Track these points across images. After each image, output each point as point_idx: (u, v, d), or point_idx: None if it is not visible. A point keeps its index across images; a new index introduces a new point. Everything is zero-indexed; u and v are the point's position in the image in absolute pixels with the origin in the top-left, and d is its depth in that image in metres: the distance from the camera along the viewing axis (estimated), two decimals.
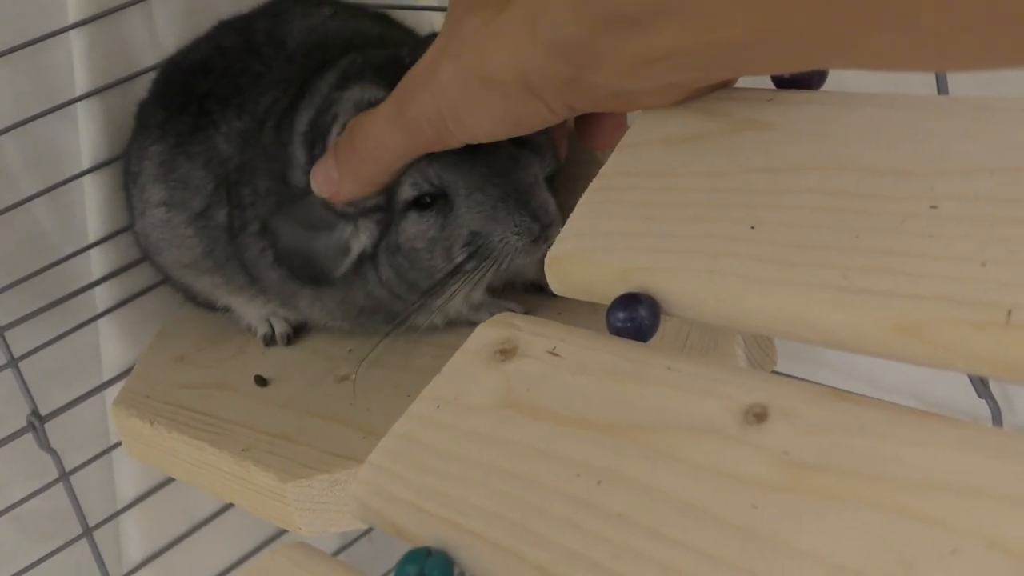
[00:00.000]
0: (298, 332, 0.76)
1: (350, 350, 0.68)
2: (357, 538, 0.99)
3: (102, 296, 0.84)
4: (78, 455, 0.81)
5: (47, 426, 0.77)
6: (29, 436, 0.77)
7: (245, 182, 0.68)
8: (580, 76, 0.44)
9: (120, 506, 0.87)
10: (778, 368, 0.66)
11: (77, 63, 0.81)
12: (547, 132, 0.63)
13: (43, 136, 0.83)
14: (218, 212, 0.70)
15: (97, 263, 0.84)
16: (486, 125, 0.50)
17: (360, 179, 0.59)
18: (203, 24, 0.79)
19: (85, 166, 0.83)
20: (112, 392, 0.82)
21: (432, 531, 0.38)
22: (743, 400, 0.36)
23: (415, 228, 0.62)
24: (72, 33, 0.80)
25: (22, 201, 0.79)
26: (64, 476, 0.79)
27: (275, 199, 0.65)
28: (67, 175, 0.82)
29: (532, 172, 0.62)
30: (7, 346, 0.75)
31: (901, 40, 0.35)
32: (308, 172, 0.63)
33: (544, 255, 0.61)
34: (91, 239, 0.84)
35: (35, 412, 0.77)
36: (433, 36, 0.68)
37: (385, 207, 0.62)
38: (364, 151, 0.57)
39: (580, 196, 0.47)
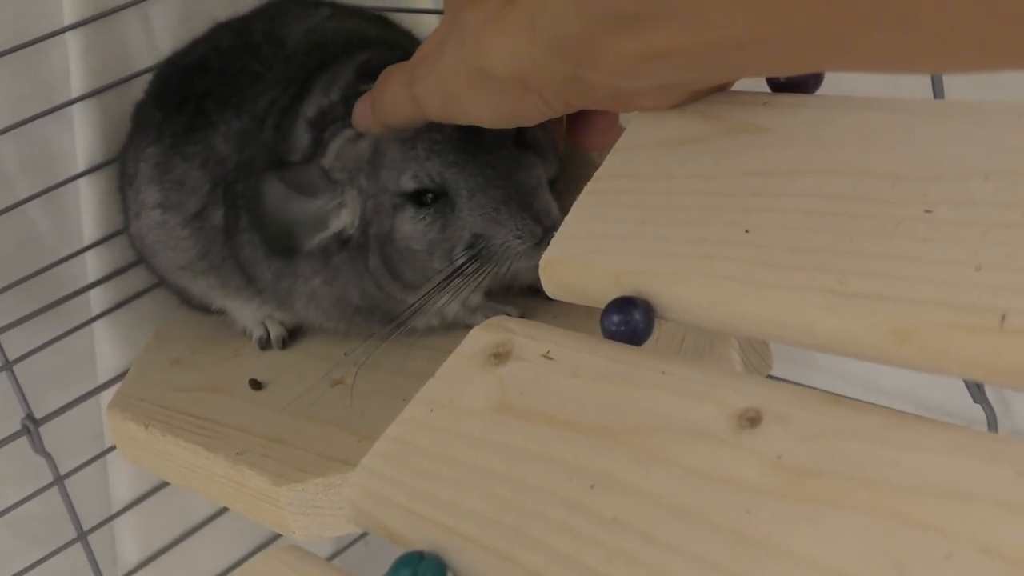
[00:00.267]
0: (293, 336, 0.76)
1: (345, 353, 0.68)
2: (352, 542, 0.99)
3: (97, 299, 0.84)
4: (73, 458, 0.81)
5: (42, 429, 0.77)
6: (23, 439, 0.77)
7: (242, 179, 0.68)
8: (578, 74, 0.44)
9: (115, 510, 0.87)
10: (774, 371, 0.65)
11: (73, 65, 0.81)
12: (549, 134, 0.63)
13: (39, 138, 0.82)
14: (214, 213, 0.70)
15: (92, 266, 0.84)
16: (486, 114, 0.50)
17: (384, 124, 0.59)
18: (199, 26, 0.79)
19: (81, 168, 0.83)
20: (107, 395, 0.82)
21: (425, 535, 0.38)
22: (737, 404, 0.36)
23: (412, 226, 0.62)
24: (68, 35, 0.80)
25: (17, 203, 0.79)
26: (59, 480, 0.79)
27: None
28: (63, 177, 0.82)
29: (535, 174, 0.62)
30: (1, 349, 0.75)
31: (901, 40, 0.35)
32: (308, 156, 0.63)
33: None
34: (86, 242, 0.84)
35: (30, 415, 0.77)
36: None
37: (372, 177, 0.62)
38: (382, 103, 0.57)
39: (575, 199, 0.47)
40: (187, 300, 0.79)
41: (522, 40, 0.44)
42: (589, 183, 0.47)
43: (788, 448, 0.34)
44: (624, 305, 0.42)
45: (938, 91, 0.58)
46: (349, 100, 0.63)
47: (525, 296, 0.70)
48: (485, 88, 0.48)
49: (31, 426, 0.77)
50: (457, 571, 0.37)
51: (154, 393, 0.74)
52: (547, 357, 0.42)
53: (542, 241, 0.60)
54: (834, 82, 0.47)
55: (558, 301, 0.47)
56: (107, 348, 0.85)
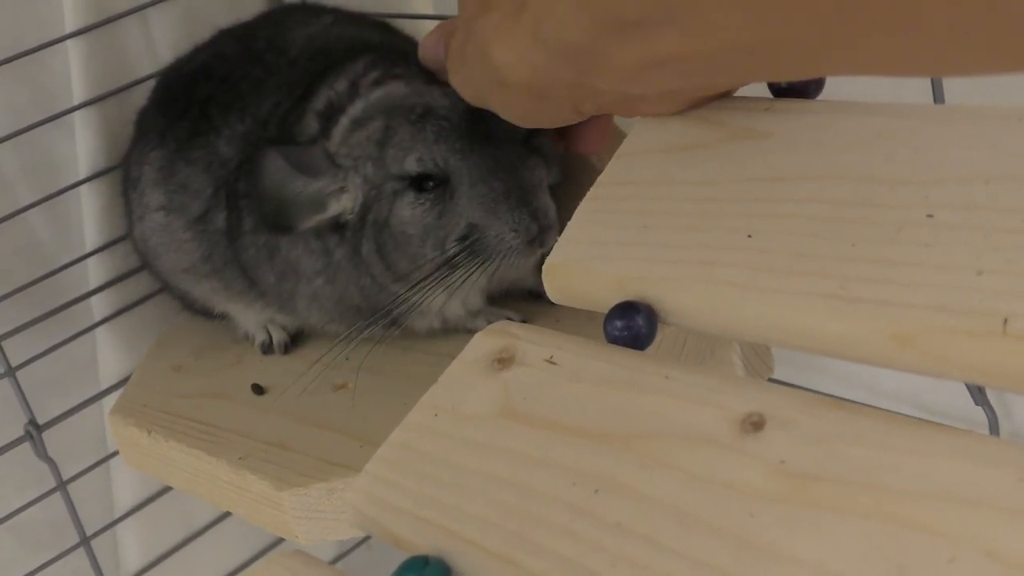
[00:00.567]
0: (295, 340, 0.76)
1: (347, 358, 0.68)
2: (355, 546, 0.99)
3: (99, 305, 0.84)
4: (76, 464, 0.81)
5: (44, 435, 0.77)
6: (26, 445, 0.77)
7: (244, 179, 0.68)
8: (583, 81, 0.44)
9: (118, 515, 0.87)
10: (775, 375, 0.66)
11: (74, 72, 0.81)
12: (554, 143, 0.64)
13: (40, 145, 0.83)
14: (217, 216, 0.70)
15: (94, 272, 0.84)
16: (510, 114, 0.51)
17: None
18: (200, 33, 0.80)
19: (82, 175, 0.83)
20: (110, 401, 0.82)
21: (429, 539, 0.38)
22: (740, 409, 0.36)
23: (410, 211, 0.62)
24: (69, 42, 0.80)
25: (19, 210, 0.79)
26: (62, 485, 0.79)
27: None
28: (64, 184, 0.82)
29: (538, 175, 0.62)
30: (4, 355, 0.75)
31: (908, 43, 0.34)
32: (316, 141, 0.63)
33: (540, 260, 0.61)
34: (88, 248, 0.84)
35: (32, 421, 0.77)
36: None
37: (377, 164, 0.62)
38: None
39: (578, 205, 0.47)
40: (189, 305, 0.79)
41: (528, 45, 0.44)
42: (592, 189, 0.47)
43: (791, 453, 0.34)
44: (627, 310, 0.42)
45: (938, 96, 0.58)
46: (357, 86, 0.63)
47: (527, 301, 0.70)
48: (503, 94, 0.49)
49: (34, 432, 0.77)
50: (461, 575, 0.37)
51: (157, 399, 0.74)
52: (550, 362, 0.42)
53: (536, 239, 0.61)
54: (836, 87, 0.47)
55: (560, 306, 0.47)
56: (109, 354, 0.85)
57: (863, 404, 0.36)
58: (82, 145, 0.83)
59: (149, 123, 0.77)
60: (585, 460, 0.37)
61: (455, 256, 0.61)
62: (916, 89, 0.58)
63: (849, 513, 0.31)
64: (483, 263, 0.61)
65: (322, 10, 0.78)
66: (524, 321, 0.65)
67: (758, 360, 0.64)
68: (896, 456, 0.32)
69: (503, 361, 0.43)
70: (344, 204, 0.64)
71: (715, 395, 0.37)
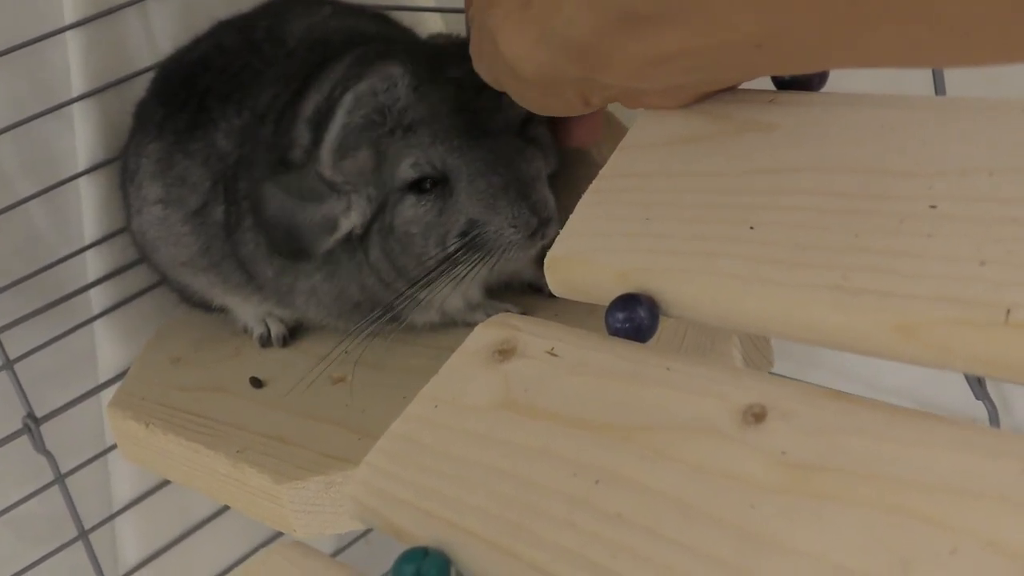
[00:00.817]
0: (294, 334, 0.76)
1: (346, 351, 0.68)
2: (354, 540, 0.99)
3: (98, 298, 0.84)
4: (74, 457, 0.81)
5: (43, 428, 0.77)
6: (25, 438, 0.77)
7: (243, 175, 0.68)
8: (590, 76, 0.44)
9: (116, 508, 0.87)
10: (775, 368, 0.66)
11: (73, 64, 0.81)
12: (550, 132, 0.63)
13: (39, 137, 0.82)
14: (215, 209, 0.70)
15: (93, 265, 0.84)
16: (527, 104, 0.51)
17: None
18: (199, 25, 0.79)
19: (81, 167, 0.83)
20: (108, 394, 0.82)
21: (429, 531, 0.38)
22: (741, 400, 0.36)
23: (412, 211, 0.62)
24: (68, 34, 0.80)
25: (18, 202, 0.79)
26: (60, 478, 0.79)
27: (271, 175, 0.65)
28: (63, 176, 0.82)
29: (536, 166, 0.62)
30: (3, 348, 0.75)
31: (916, 35, 0.34)
32: (310, 152, 0.62)
33: (540, 253, 0.61)
34: (87, 241, 0.84)
35: (31, 414, 0.77)
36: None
37: (378, 183, 0.62)
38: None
39: (578, 198, 0.47)
40: (188, 297, 0.79)
41: (536, 40, 0.44)
42: (594, 181, 0.47)
43: (792, 444, 0.34)
44: (629, 302, 0.42)
45: (940, 88, 0.58)
46: (334, 94, 0.63)
47: (525, 295, 0.70)
48: (517, 86, 0.48)
49: (32, 425, 0.77)
50: (461, 567, 0.37)
51: (155, 392, 0.74)
52: (552, 354, 0.42)
53: (537, 232, 0.60)
54: (838, 80, 0.47)
55: (560, 299, 0.47)
56: (108, 347, 0.85)
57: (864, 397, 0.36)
58: (81, 137, 0.82)
59: (147, 115, 0.76)
60: (586, 452, 0.37)
61: (457, 252, 0.61)
62: (918, 82, 0.58)
63: (850, 504, 0.31)
64: (484, 257, 0.61)
65: (321, 1, 0.78)
66: (524, 314, 0.65)
67: (758, 354, 0.64)
68: (897, 447, 0.32)
69: (504, 353, 0.43)
70: (353, 220, 0.64)
71: (716, 386, 0.37)
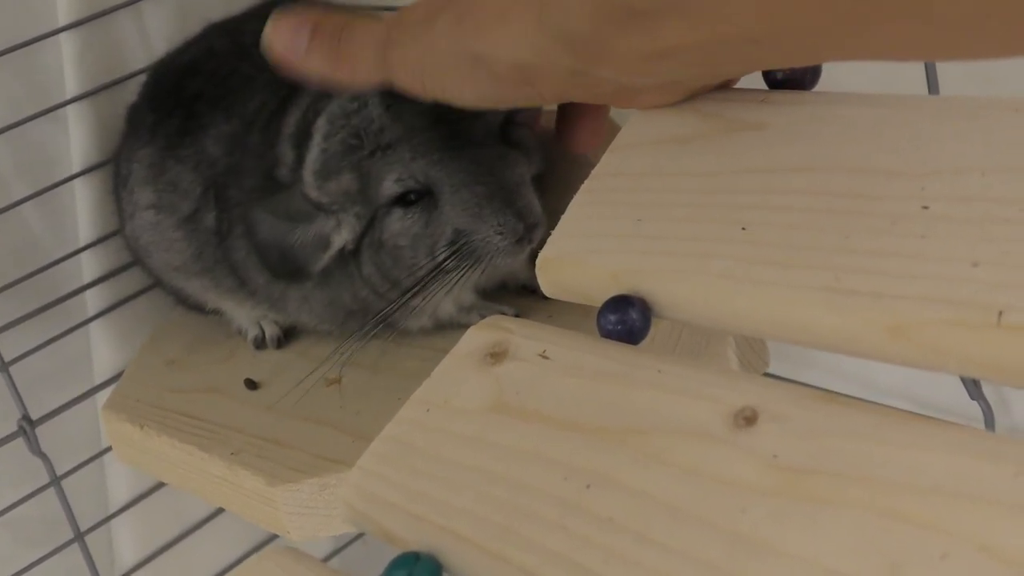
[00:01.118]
0: (288, 335, 0.75)
1: (341, 353, 0.68)
2: (350, 542, 0.99)
3: (93, 300, 0.84)
4: (70, 459, 0.81)
5: (38, 430, 0.77)
6: (20, 441, 0.77)
7: (232, 184, 0.68)
8: (586, 69, 0.43)
9: (112, 511, 0.87)
10: (770, 369, 0.65)
11: (67, 66, 0.81)
12: (535, 133, 0.63)
13: (34, 139, 0.82)
14: (207, 215, 0.70)
15: (88, 267, 0.84)
16: (468, 97, 0.48)
17: (329, 66, 0.53)
18: (193, 27, 0.79)
19: (76, 169, 0.82)
20: (104, 396, 0.82)
21: (421, 535, 0.38)
22: (733, 403, 0.36)
23: (399, 224, 0.62)
24: (62, 36, 0.80)
25: (12, 204, 0.79)
26: (55, 481, 0.79)
27: (259, 196, 0.65)
28: (58, 178, 0.81)
29: (519, 172, 0.62)
30: None
31: (919, 29, 0.34)
32: (295, 170, 0.62)
33: (528, 256, 0.61)
34: (82, 243, 0.83)
35: (26, 416, 0.77)
36: None
37: (364, 202, 0.62)
38: (343, 51, 0.52)
39: (570, 198, 0.47)
40: (183, 300, 0.79)
41: (529, 28, 0.43)
42: (586, 182, 0.47)
43: (784, 447, 0.34)
44: (621, 304, 0.42)
45: (933, 87, 0.58)
46: (308, 115, 0.62)
47: (520, 296, 0.69)
48: (474, 72, 0.46)
49: (27, 427, 0.77)
50: (453, 572, 0.37)
51: (150, 394, 0.73)
52: (543, 356, 0.42)
53: (523, 238, 0.60)
54: (829, 78, 0.47)
55: (553, 301, 0.46)
56: (103, 349, 0.85)
57: (857, 399, 0.36)
58: (75, 139, 0.82)
59: (139, 119, 0.76)
60: (577, 455, 0.37)
61: (446, 260, 0.61)
62: (910, 80, 0.58)
63: (842, 507, 0.31)
64: (473, 265, 0.61)
65: (313, 3, 0.78)
66: (517, 315, 0.65)
67: (753, 355, 0.64)
68: (890, 450, 0.32)
69: (496, 356, 0.43)
70: (344, 236, 0.64)
71: (708, 389, 0.37)
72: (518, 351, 0.42)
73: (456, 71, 0.47)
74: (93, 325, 0.84)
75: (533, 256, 0.47)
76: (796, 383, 0.37)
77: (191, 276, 0.73)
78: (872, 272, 0.37)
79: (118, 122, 0.80)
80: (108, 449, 0.81)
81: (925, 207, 0.38)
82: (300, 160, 0.62)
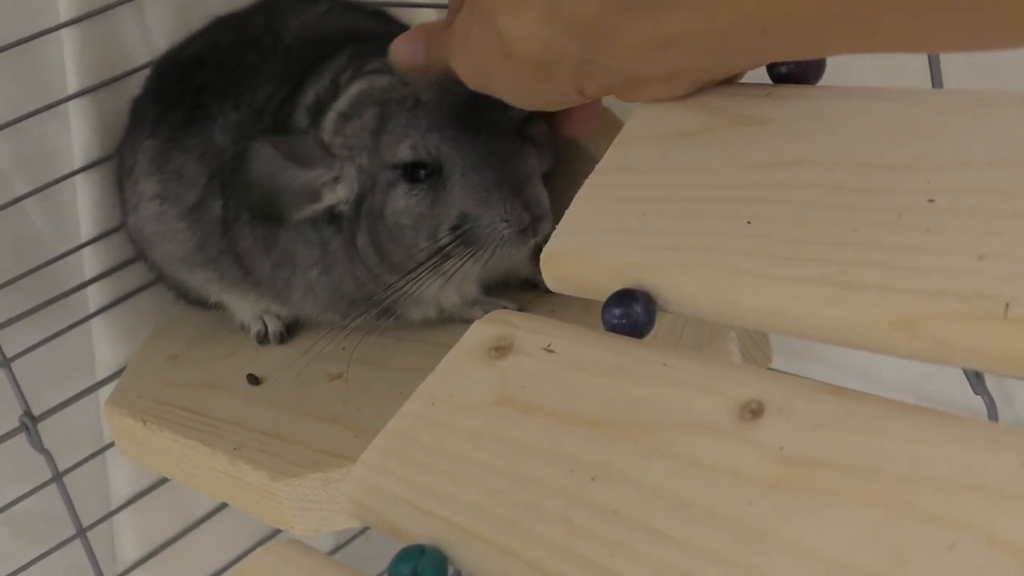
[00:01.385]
0: (291, 331, 0.76)
1: (343, 348, 0.68)
2: (353, 536, 0.99)
3: (95, 296, 0.84)
4: (71, 455, 0.81)
5: (40, 426, 0.77)
6: (22, 436, 0.77)
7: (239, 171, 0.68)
8: (593, 58, 0.43)
9: (114, 506, 0.87)
10: (773, 364, 0.65)
11: (69, 62, 0.81)
12: (547, 130, 0.63)
13: (35, 135, 0.82)
14: (212, 205, 0.70)
15: (90, 262, 0.84)
16: (510, 94, 0.50)
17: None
18: (195, 22, 0.79)
19: (77, 165, 0.82)
20: (106, 392, 0.82)
21: (426, 529, 0.38)
22: (739, 396, 0.36)
23: (404, 202, 0.62)
24: (64, 32, 0.80)
25: (14, 200, 0.79)
26: (57, 477, 0.79)
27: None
28: (59, 174, 0.82)
29: (530, 163, 0.62)
30: None
31: (927, 19, 0.34)
32: (308, 131, 0.63)
33: (532, 249, 0.61)
34: (83, 238, 0.83)
35: (28, 412, 0.77)
36: None
37: (373, 155, 0.62)
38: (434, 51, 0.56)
39: (574, 193, 0.47)
40: (185, 294, 0.79)
41: (540, 19, 0.43)
42: (590, 176, 0.47)
43: (790, 439, 0.34)
44: (625, 298, 0.41)
45: (936, 81, 0.58)
46: (337, 82, 0.63)
47: (523, 291, 0.69)
48: (508, 69, 0.47)
49: (29, 423, 0.77)
50: (458, 565, 0.37)
51: (152, 389, 0.73)
52: (548, 350, 0.42)
53: (528, 229, 0.60)
54: (834, 72, 0.47)
55: (556, 295, 0.46)
56: (105, 345, 0.85)
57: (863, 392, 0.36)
58: (77, 135, 0.82)
59: (143, 112, 0.76)
60: (582, 448, 0.37)
61: (447, 245, 0.61)
62: (914, 74, 0.58)
63: (848, 500, 0.31)
64: (475, 252, 0.61)
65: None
66: (521, 310, 0.65)
67: (756, 349, 0.64)
68: (896, 442, 0.32)
69: (501, 349, 0.43)
70: (339, 195, 0.64)
71: (714, 382, 0.37)
72: (523, 345, 0.42)
73: (497, 69, 0.48)
74: (95, 321, 0.84)
75: (537, 251, 0.47)
76: (800, 377, 0.37)
77: (194, 268, 0.73)
78: (878, 265, 0.37)
79: (120, 118, 0.80)
80: (110, 445, 0.81)
81: (931, 200, 0.37)
82: (315, 123, 0.63)
